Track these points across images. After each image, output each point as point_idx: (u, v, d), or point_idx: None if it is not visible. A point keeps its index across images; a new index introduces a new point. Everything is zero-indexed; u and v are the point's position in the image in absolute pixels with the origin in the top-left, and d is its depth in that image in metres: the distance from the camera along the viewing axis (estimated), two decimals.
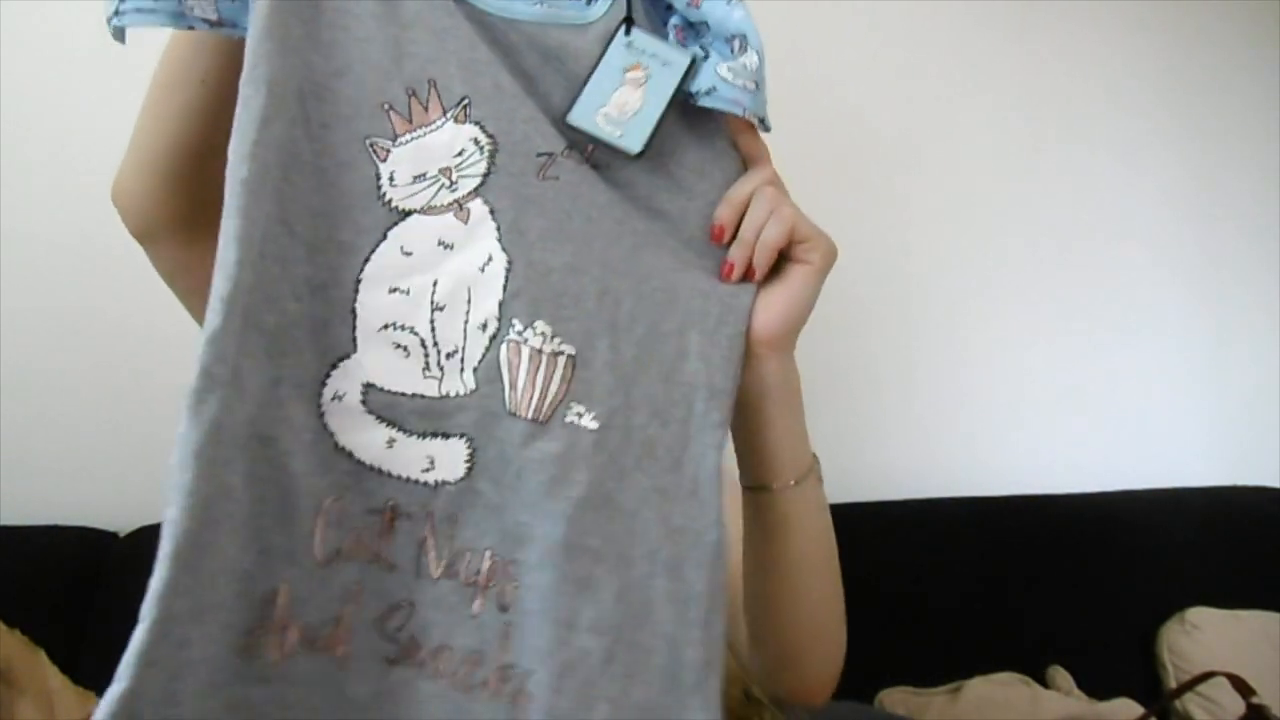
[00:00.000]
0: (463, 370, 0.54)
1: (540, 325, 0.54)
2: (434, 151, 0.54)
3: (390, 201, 0.53)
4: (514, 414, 0.53)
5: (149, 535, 1.17)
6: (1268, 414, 1.88)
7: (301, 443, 0.49)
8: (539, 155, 0.55)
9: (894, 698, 1.32)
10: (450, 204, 0.54)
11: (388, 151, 0.53)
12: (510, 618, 0.52)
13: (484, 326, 0.54)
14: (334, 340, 0.51)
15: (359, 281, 0.52)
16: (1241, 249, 1.92)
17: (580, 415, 0.54)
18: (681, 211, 0.60)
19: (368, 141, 0.53)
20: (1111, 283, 1.81)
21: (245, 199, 0.48)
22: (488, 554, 0.52)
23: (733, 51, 0.59)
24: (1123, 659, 1.46)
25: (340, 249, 0.52)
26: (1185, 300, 1.87)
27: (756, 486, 0.65)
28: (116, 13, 0.51)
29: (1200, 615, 1.46)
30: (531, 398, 0.54)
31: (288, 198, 0.50)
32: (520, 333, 0.54)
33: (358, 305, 0.52)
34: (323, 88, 0.52)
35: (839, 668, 0.71)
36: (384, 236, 0.53)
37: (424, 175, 0.54)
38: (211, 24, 0.52)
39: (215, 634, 0.45)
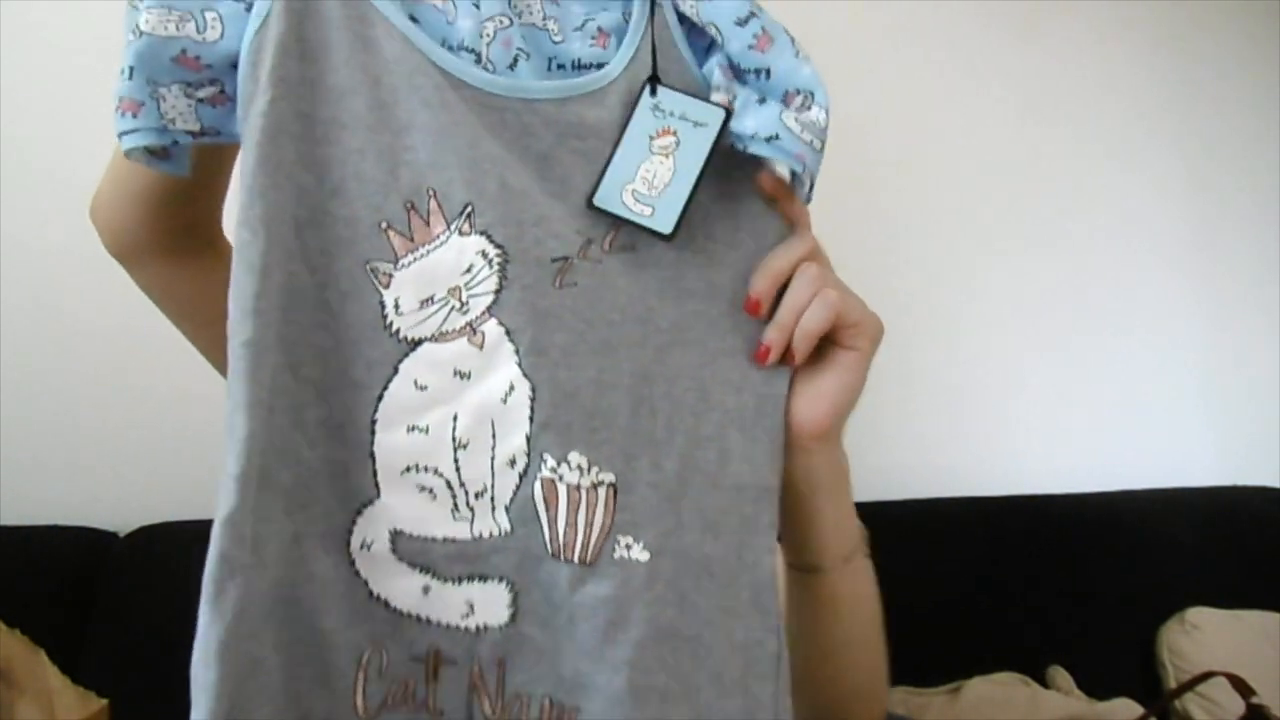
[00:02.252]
0: (494, 510, 0.50)
1: (574, 458, 0.50)
2: (440, 271, 0.49)
3: (398, 332, 0.49)
4: (556, 557, 0.50)
5: (149, 535, 1.18)
6: (1268, 414, 1.88)
7: (333, 596, 0.47)
8: (553, 261, 0.51)
9: (894, 697, 1.32)
10: (463, 328, 0.50)
11: (390, 276, 0.49)
12: None
13: (513, 463, 0.50)
14: (355, 486, 0.48)
15: (374, 422, 0.49)
16: (1241, 249, 1.92)
17: (629, 548, 0.51)
18: (709, 288, 0.55)
19: (369, 266, 0.49)
20: (1111, 282, 1.81)
21: (250, 362, 0.45)
22: (546, 700, 0.49)
23: (791, 106, 0.54)
24: (1123, 659, 1.46)
25: (352, 387, 0.48)
26: (1185, 300, 1.87)
27: (805, 567, 0.61)
28: (121, 138, 0.49)
29: (1200, 615, 1.46)
30: (575, 539, 0.50)
31: (291, 340, 0.47)
32: (554, 469, 0.50)
33: (375, 448, 0.49)
34: (319, 211, 0.48)
35: None
36: (395, 371, 0.49)
37: (431, 299, 0.49)
38: (195, 135, 0.49)
39: None
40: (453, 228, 0.50)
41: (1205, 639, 1.43)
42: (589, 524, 0.50)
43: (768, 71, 0.55)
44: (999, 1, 1.77)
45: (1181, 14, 1.90)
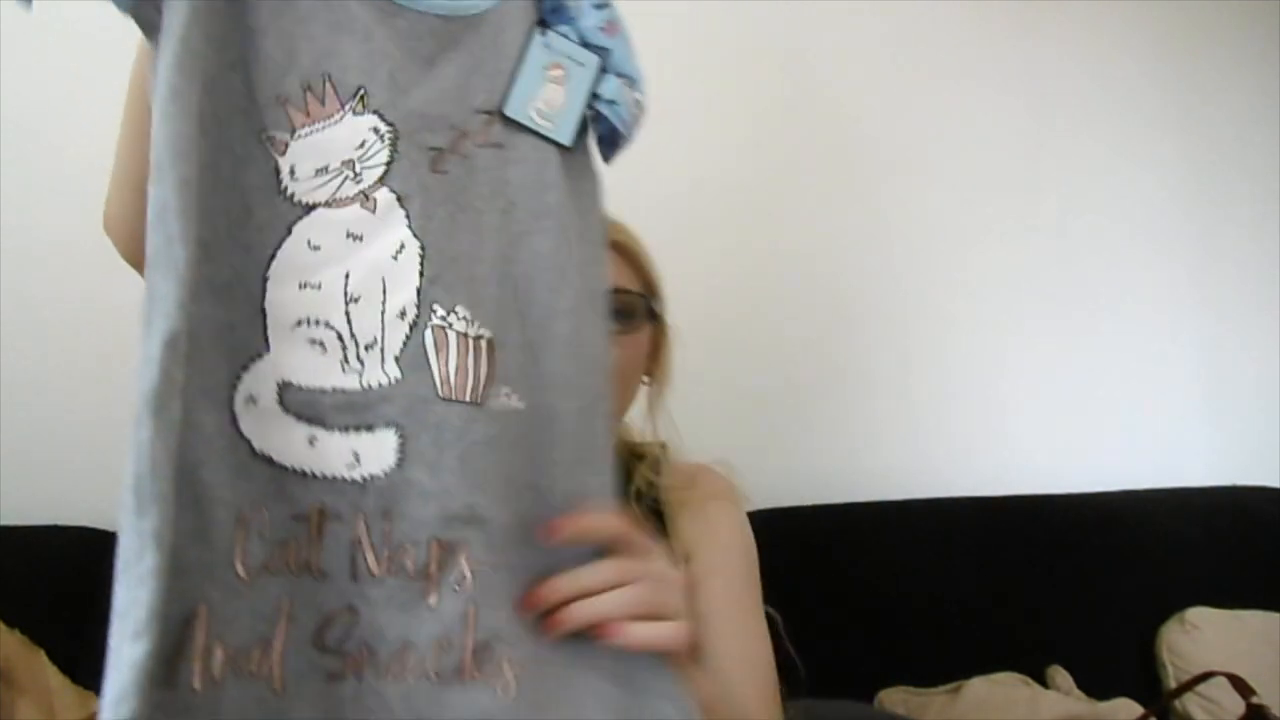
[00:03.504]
0: (384, 361, 0.53)
1: (461, 310, 0.55)
2: (335, 145, 0.53)
3: (293, 196, 0.52)
4: (447, 399, 0.53)
5: None
6: (1268, 414, 1.88)
7: (215, 452, 0.47)
8: (430, 150, 0.56)
9: (894, 697, 1.32)
10: (356, 195, 0.53)
11: (286, 145, 0.52)
12: (474, 596, 0.51)
13: (403, 314, 0.53)
14: (241, 342, 0.50)
15: (266, 279, 0.51)
16: (1242, 249, 1.92)
17: (508, 396, 0.56)
18: (564, 182, 0.61)
19: (265, 135, 0.52)
20: (1112, 282, 1.81)
21: (153, 215, 0.47)
22: (433, 544, 0.51)
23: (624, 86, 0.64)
24: (1123, 659, 1.46)
25: (242, 248, 0.50)
26: (1186, 300, 1.87)
27: None
28: None
29: (1200, 615, 1.46)
30: (466, 382, 0.54)
31: (185, 201, 0.48)
32: (444, 318, 0.54)
33: (267, 304, 0.50)
34: (216, 82, 0.50)
35: None
36: (288, 232, 0.52)
37: (326, 169, 0.53)
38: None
39: (138, 659, 0.42)
40: (347, 108, 0.54)
41: (1205, 639, 1.43)
42: (477, 369, 0.55)
43: (609, 51, 0.62)
44: (996, 2, 1.77)
45: (1182, 13, 1.90)
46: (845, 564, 1.41)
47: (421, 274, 0.54)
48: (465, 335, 0.55)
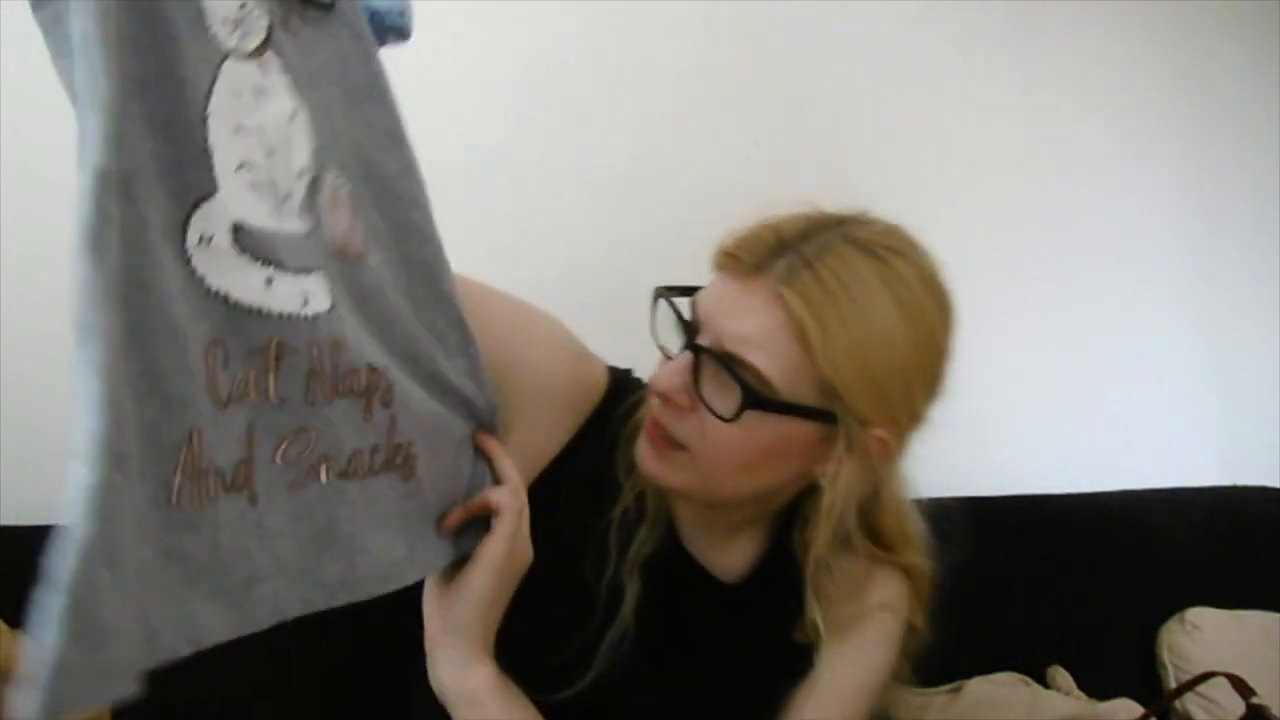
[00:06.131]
0: (298, 213, 0.57)
1: (342, 176, 0.60)
2: (223, 2, 0.53)
3: (215, 37, 0.52)
4: (344, 251, 0.60)
5: None
6: (1268, 414, 1.88)
7: (177, 287, 0.48)
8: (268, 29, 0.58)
9: (895, 697, 1.32)
10: (251, 53, 0.54)
11: None
12: (392, 410, 0.62)
13: (301, 174, 0.57)
14: (190, 180, 0.49)
15: (206, 118, 0.50)
16: (1242, 249, 1.92)
17: (376, 252, 0.62)
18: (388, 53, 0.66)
19: None
20: (1111, 282, 1.81)
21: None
22: (366, 369, 0.60)
23: None
24: (1123, 659, 1.46)
25: (177, 82, 0.49)
26: (1186, 300, 1.87)
27: None
28: None
29: (1200, 615, 1.46)
30: (354, 239, 0.61)
31: (117, 33, 0.47)
32: (335, 179, 0.60)
33: (211, 142, 0.50)
34: None
35: None
36: (217, 73, 0.51)
37: (226, 19, 0.53)
38: None
39: (134, 483, 0.44)
40: None
41: (1205, 639, 1.43)
42: (357, 228, 0.62)
43: None
44: (995, 5, 1.77)
45: (1181, 14, 1.90)
46: None
47: (315, 136, 0.58)
48: (350, 194, 0.61)
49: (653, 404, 0.76)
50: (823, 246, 0.72)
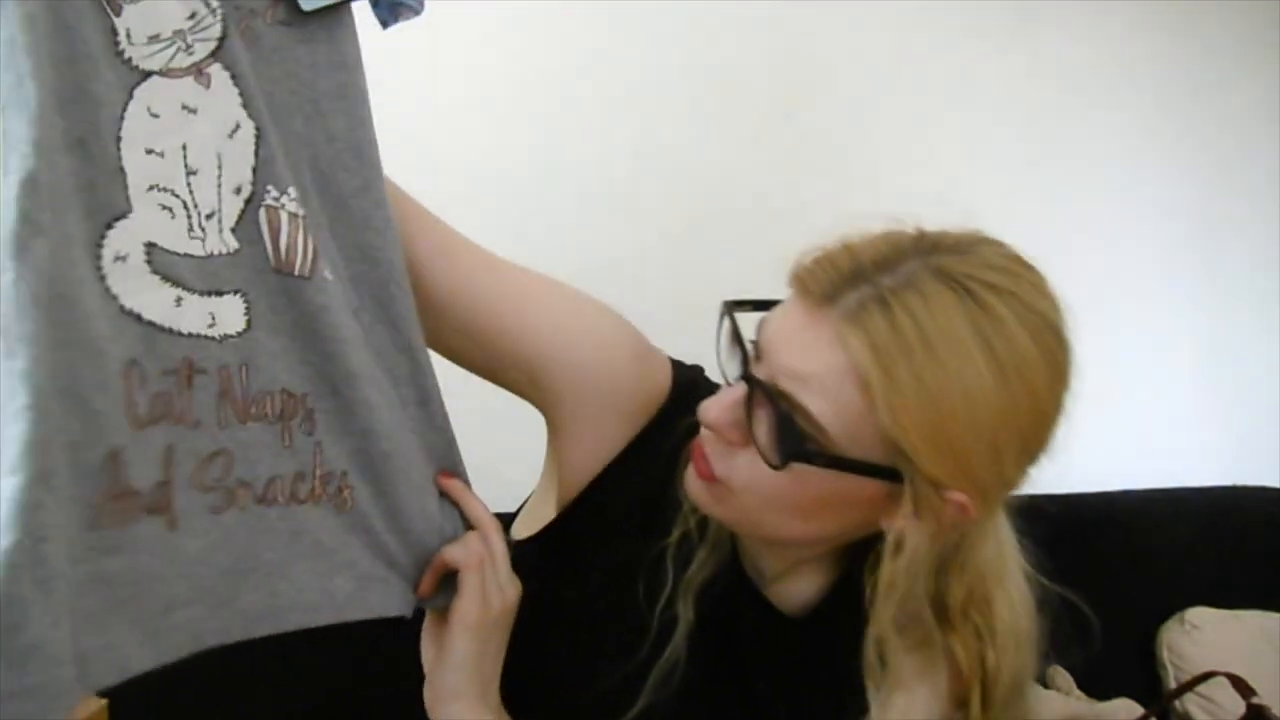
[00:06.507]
0: (222, 231, 0.56)
1: (293, 191, 0.58)
2: (165, 14, 0.52)
3: (130, 60, 0.52)
4: (279, 272, 0.58)
5: None
6: (1268, 414, 1.88)
7: (95, 303, 0.48)
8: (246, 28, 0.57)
9: None
10: (189, 68, 0.53)
11: (120, 6, 0.51)
12: (318, 438, 0.60)
13: (238, 190, 0.56)
14: (105, 200, 0.50)
15: (120, 139, 0.51)
16: (1241, 249, 1.92)
17: (327, 270, 0.60)
18: (358, 62, 0.63)
19: None
20: (1110, 283, 1.81)
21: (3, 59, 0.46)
22: (281, 393, 0.59)
23: None
24: (1123, 659, 1.46)
25: (93, 102, 0.49)
26: (1185, 300, 1.87)
27: None
28: None
29: (1200, 615, 1.46)
30: (296, 258, 0.59)
31: (32, 46, 0.46)
32: (277, 198, 0.58)
33: (124, 164, 0.51)
34: None
35: None
36: (131, 95, 0.51)
37: (159, 36, 0.52)
38: None
39: (63, 503, 0.44)
40: None
41: (1205, 639, 1.43)
42: (305, 245, 0.59)
43: None
44: (995, 3, 1.77)
45: (1181, 15, 1.90)
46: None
47: (256, 154, 0.56)
48: (296, 215, 0.58)
49: (703, 430, 0.67)
50: (905, 279, 0.61)
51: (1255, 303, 1.92)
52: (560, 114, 1.48)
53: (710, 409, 0.65)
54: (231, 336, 0.56)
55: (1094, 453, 1.73)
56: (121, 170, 0.51)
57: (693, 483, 0.68)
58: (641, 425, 0.75)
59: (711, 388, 0.76)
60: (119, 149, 0.51)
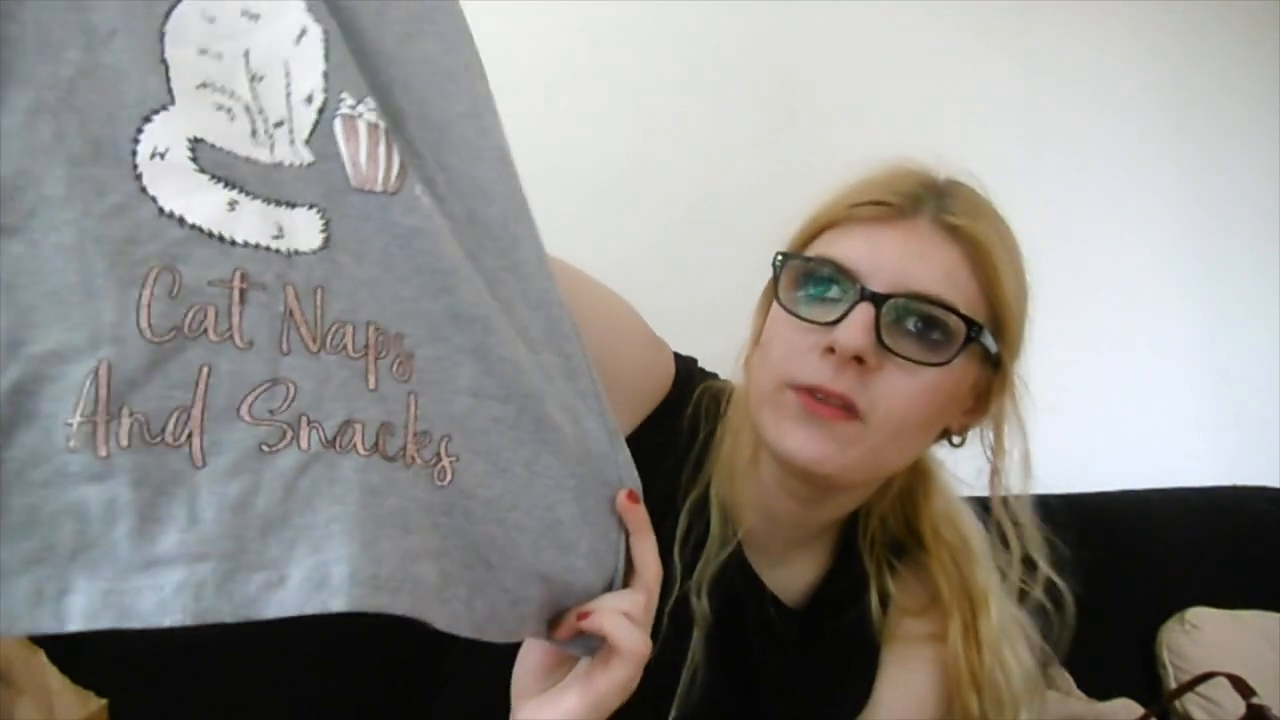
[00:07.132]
0: (293, 141, 0.50)
1: (369, 100, 0.51)
2: None
3: None
4: (360, 190, 0.51)
5: None
6: (1268, 414, 1.88)
7: (109, 207, 0.44)
8: None
9: None
10: None
11: None
12: (412, 388, 0.51)
13: (309, 100, 0.50)
14: (140, 92, 0.46)
15: (164, 34, 0.46)
16: (1240, 249, 1.92)
17: (417, 187, 0.52)
18: None
19: None
20: (1110, 283, 1.81)
21: None
22: (370, 327, 0.50)
23: None
24: (1123, 659, 1.46)
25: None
26: (1185, 299, 1.87)
27: None
28: None
29: (1200, 615, 1.46)
30: (377, 171, 0.51)
31: None
32: (353, 106, 0.51)
33: (168, 57, 0.46)
34: None
35: None
36: None
37: None
38: None
39: (39, 423, 0.41)
40: None
41: (1205, 639, 1.43)
42: (389, 159, 0.51)
43: None
44: (994, 2, 1.77)
45: (1180, 15, 1.90)
46: None
47: (326, 59, 0.50)
48: (376, 125, 0.51)
49: (808, 375, 0.66)
50: (952, 182, 0.73)
51: (1256, 302, 1.92)
52: (560, 114, 1.48)
53: (848, 338, 0.64)
54: (304, 253, 0.49)
55: (1094, 453, 1.74)
56: (164, 62, 0.46)
57: (806, 441, 0.66)
58: (645, 414, 0.75)
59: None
60: (161, 42, 0.46)
